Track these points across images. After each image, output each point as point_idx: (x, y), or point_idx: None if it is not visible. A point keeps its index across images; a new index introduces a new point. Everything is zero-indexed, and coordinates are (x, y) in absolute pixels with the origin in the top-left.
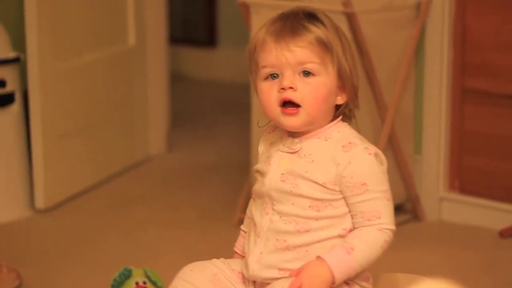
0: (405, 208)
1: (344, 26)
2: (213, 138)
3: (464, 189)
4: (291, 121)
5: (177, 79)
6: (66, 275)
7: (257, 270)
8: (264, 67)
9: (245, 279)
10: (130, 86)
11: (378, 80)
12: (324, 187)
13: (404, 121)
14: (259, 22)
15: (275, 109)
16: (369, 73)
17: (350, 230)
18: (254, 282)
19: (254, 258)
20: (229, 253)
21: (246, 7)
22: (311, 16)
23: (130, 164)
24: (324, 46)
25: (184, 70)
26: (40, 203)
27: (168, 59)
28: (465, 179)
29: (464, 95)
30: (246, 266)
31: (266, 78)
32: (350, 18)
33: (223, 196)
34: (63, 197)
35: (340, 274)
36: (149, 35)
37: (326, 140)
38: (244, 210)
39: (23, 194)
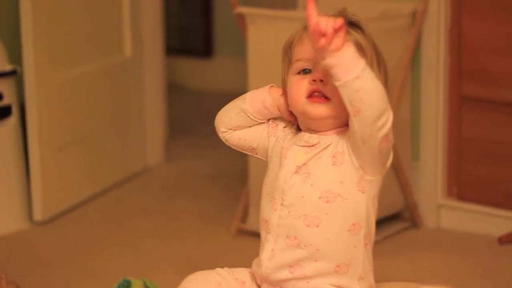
0: (404, 216)
1: None
2: (210, 147)
3: (462, 196)
4: (318, 108)
5: (174, 89)
6: (66, 286)
7: (270, 268)
8: (298, 60)
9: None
10: (127, 97)
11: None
12: (335, 163)
13: (402, 128)
14: (255, 32)
15: (302, 99)
16: None
17: (360, 225)
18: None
19: (266, 255)
20: (228, 262)
21: (242, 17)
22: (353, 24)
23: (128, 175)
24: (361, 49)
25: (181, 80)
26: (38, 215)
27: (164, 70)
28: (463, 185)
29: (461, 102)
30: (259, 263)
31: (299, 72)
32: None
33: (221, 205)
34: (61, 209)
35: (350, 53)
36: (146, 45)
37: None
38: (242, 220)
39: (21, 206)
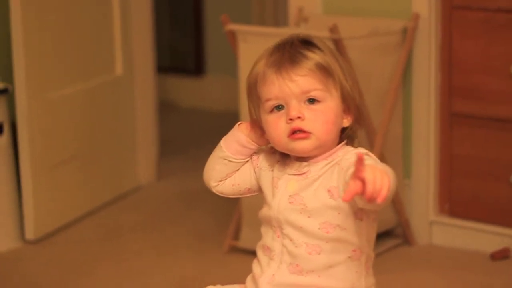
0: (396, 233)
1: None
2: (202, 166)
3: (454, 213)
4: (302, 144)
5: (165, 108)
6: None
7: None
8: (268, 100)
9: None
10: (118, 115)
11: (366, 105)
12: (332, 196)
13: (393, 145)
14: (246, 50)
15: (284, 139)
16: None
17: (360, 251)
18: None
19: (265, 279)
20: (221, 280)
21: (233, 35)
22: (307, 43)
23: (120, 194)
24: (324, 71)
25: (172, 98)
26: (30, 234)
27: (156, 88)
28: (455, 202)
29: (452, 119)
30: (257, 285)
31: (271, 110)
32: (337, 43)
33: (213, 223)
34: (53, 228)
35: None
36: (137, 64)
37: (333, 161)
38: (234, 237)
39: (13, 225)
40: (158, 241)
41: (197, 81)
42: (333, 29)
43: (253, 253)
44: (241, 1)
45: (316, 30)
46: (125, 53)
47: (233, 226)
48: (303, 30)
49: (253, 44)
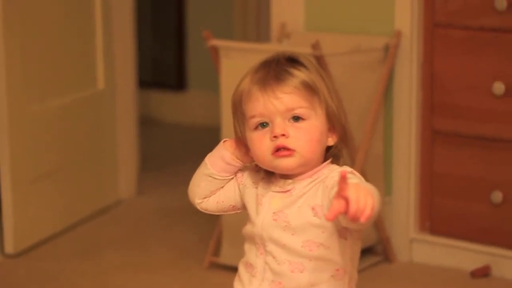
0: (376, 250)
1: None
2: (183, 181)
3: (435, 230)
4: (286, 162)
5: (147, 123)
6: None
7: None
8: (252, 117)
9: None
10: (99, 130)
11: (348, 122)
12: (316, 214)
13: (374, 162)
14: (228, 66)
15: (268, 156)
16: None
17: (344, 271)
18: None
19: None
20: None
21: (215, 51)
22: (293, 61)
23: (100, 208)
24: (310, 89)
25: (154, 113)
26: (9, 247)
27: (137, 103)
28: (436, 220)
29: (433, 136)
30: None
31: (256, 128)
32: (319, 60)
33: (194, 239)
34: (33, 242)
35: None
36: (118, 78)
37: (318, 179)
38: (214, 253)
39: None
40: (138, 257)
41: (179, 96)
42: (315, 46)
43: (234, 269)
44: (223, 16)
45: (299, 47)
46: (107, 67)
47: (213, 242)
48: (285, 46)
49: (235, 60)
